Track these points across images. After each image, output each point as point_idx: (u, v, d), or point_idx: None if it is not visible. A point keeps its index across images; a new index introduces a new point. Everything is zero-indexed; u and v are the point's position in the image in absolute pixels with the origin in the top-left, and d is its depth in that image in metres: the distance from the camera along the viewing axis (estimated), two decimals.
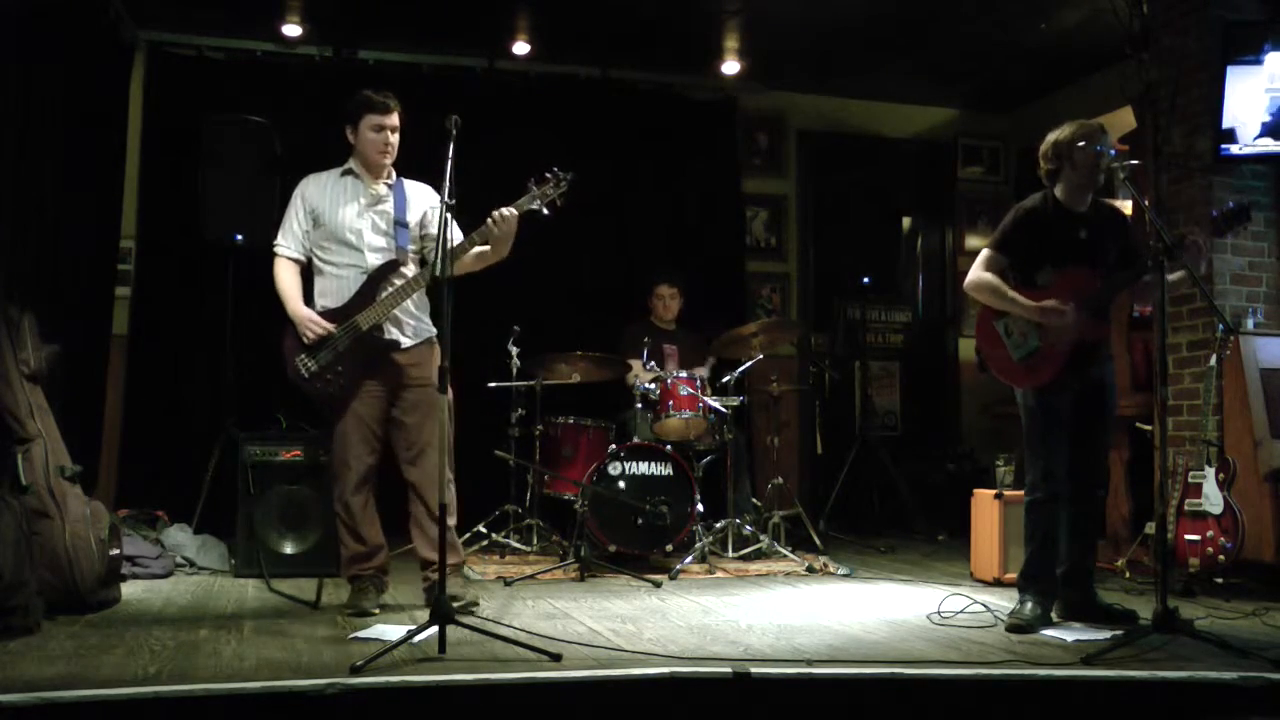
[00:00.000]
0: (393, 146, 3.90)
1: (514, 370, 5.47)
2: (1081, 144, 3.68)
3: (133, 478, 5.82)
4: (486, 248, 3.84)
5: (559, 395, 5.62)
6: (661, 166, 6.81)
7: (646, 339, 5.49)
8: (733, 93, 7.04)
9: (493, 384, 5.46)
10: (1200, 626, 3.49)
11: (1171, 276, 3.54)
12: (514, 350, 5.48)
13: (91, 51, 5.46)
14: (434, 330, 3.99)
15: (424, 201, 3.99)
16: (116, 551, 3.93)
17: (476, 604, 3.90)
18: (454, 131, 3.41)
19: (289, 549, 4.70)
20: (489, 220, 3.73)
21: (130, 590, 4.17)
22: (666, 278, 6.01)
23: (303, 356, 3.83)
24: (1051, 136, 3.79)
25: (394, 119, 3.89)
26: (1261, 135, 4.97)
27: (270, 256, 3.96)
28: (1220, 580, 4.35)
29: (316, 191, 3.95)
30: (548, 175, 3.76)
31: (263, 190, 5.43)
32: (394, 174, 3.99)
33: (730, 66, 6.70)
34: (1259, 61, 4.95)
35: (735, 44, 6.45)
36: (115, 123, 5.95)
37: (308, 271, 3.97)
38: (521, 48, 6.37)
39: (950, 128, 7.61)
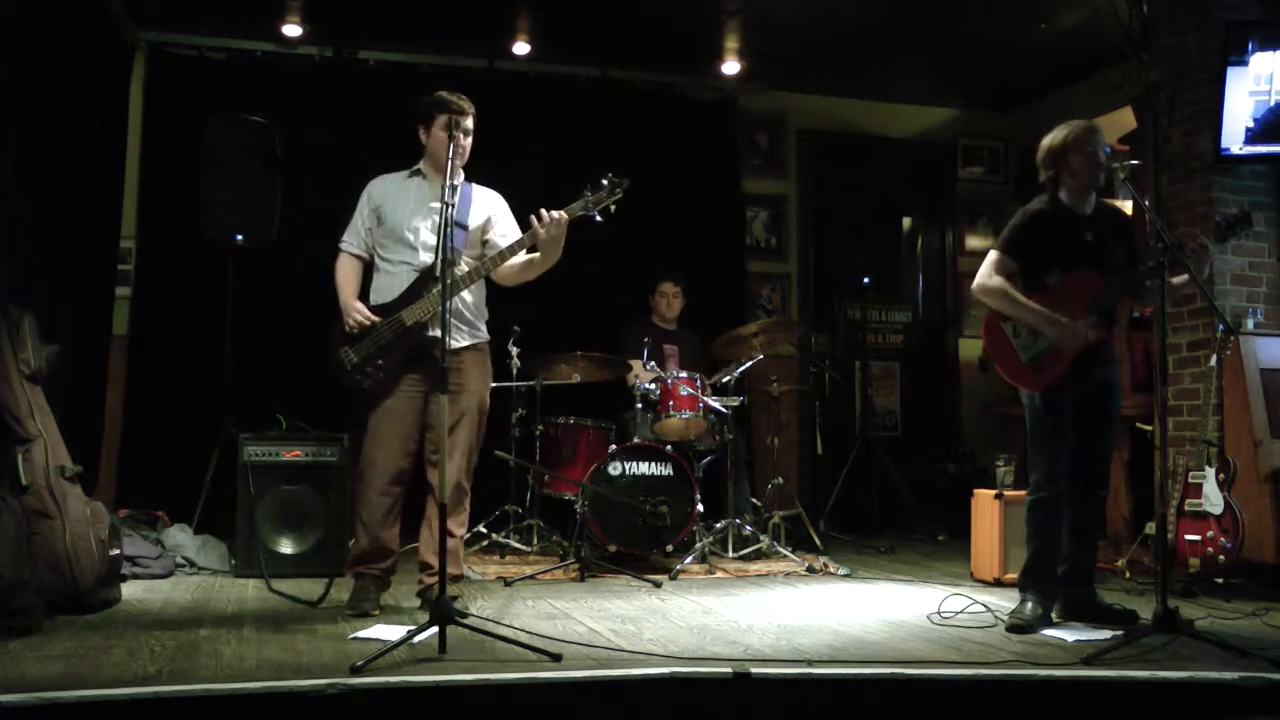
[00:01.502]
0: (465, 149, 3.86)
1: (514, 370, 5.47)
2: (1076, 148, 3.69)
3: (133, 478, 5.83)
4: (536, 255, 3.82)
5: (559, 395, 5.62)
6: (661, 166, 6.79)
7: (647, 339, 5.49)
8: (733, 93, 7.04)
9: (493, 384, 5.45)
10: (1200, 626, 3.49)
11: (1175, 280, 3.54)
12: (514, 350, 5.48)
13: (91, 51, 5.46)
14: (487, 338, 4.00)
15: (488, 206, 4.00)
16: (116, 551, 3.93)
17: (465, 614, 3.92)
18: (454, 131, 3.41)
19: (289, 549, 4.71)
20: (534, 222, 3.69)
21: (130, 590, 4.17)
22: (670, 276, 6.02)
23: (345, 348, 3.84)
24: (1045, 143, 3.79)
25: (469, 122, 3.85)
26: (1247, 141, 4.95)
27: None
28: (1220, 580, 4.35)
29: (382, 190, 3.98)
30: (603, 181, 3.74)
31: (263, 190, 5.44)
32: (462, 176, 3.96)
33: (730, 66, 6.70)
34: (1244, 63, 4.94)
35: (735, 44, 6.45)
36: (115, 123, 5.95)
37: (369, 270, 4.01)
38: (521, 48, 6.36)
39: (950, 128, 7.61)
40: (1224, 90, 4.94)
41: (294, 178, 5.60)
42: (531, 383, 5.47)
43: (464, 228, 3.88)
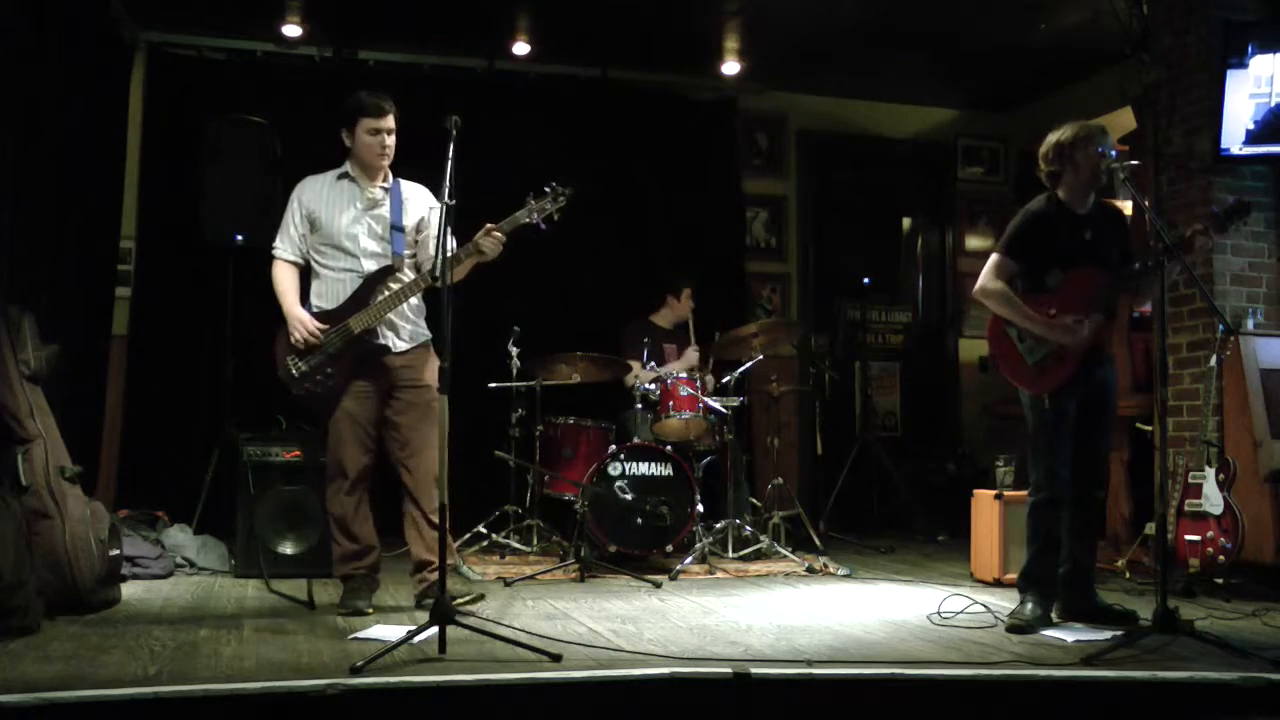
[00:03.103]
0: (390, 149, 3.90)
1: (514, 370, 5.47)
2: (1083, 146, 3.68)
3: (133, 478, 5.83)
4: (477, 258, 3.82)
5: (559, 395, 5.62)
6: (661, 166, 6.81)
7: (647, 339, 5.49)
8: (733, 93, 7.04)
9: (493, 384, 5.46)
10: (1200, 627, 3.49)
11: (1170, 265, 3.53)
12: (514, 350, 5.48)
13: (91, 51, 5.46)
14: (429, 335, 4.02)
15: (421, 204, 3.99)
16: (116, 552, 3.94)
17: (482, 597, 4.05)
18: (454, 132, 3.42)
19: (289, 549, 4.70)
20: (481, 239, 3.72)
21: (130, 590, 4.17)
22: (690, 280, 6.03)
23: (293, 357, 3.84)
24: (1052, 138, 3.78)
25: (390, 121, 3.87)
26: (1247, 142, 4.95)
27: (270, 255, 3.97)
28: (1220, 581, 4.34)
29: (313, 195, 3.96)
30: (545, 190, 3.75)
31: (263, 190, 5.43)
32: (390, 176, 3.99)
33: (730, 66, 6.70)
34: (1244, 65, 4.94)
35: (735, 44, 6.45)
36: (115, 123, 5.95)
37: (306, 273, 3.99)
38: (521, 48, 6.37)
39: (950, 128, 7.61)
40: (1224, 90, 4.94)
41: (294, 178, 5.58)
42: (531, 383, 5.47)
43: (401, 230, 3.90)
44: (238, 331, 5.53)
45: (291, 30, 6.10)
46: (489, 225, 3.75)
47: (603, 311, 6.29)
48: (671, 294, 6.06)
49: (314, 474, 4.72)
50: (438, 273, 3.27)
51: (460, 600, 3.88)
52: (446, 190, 3.37)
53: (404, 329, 3.91)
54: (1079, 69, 6.56)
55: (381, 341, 3.84)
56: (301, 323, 3.81)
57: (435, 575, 3.79)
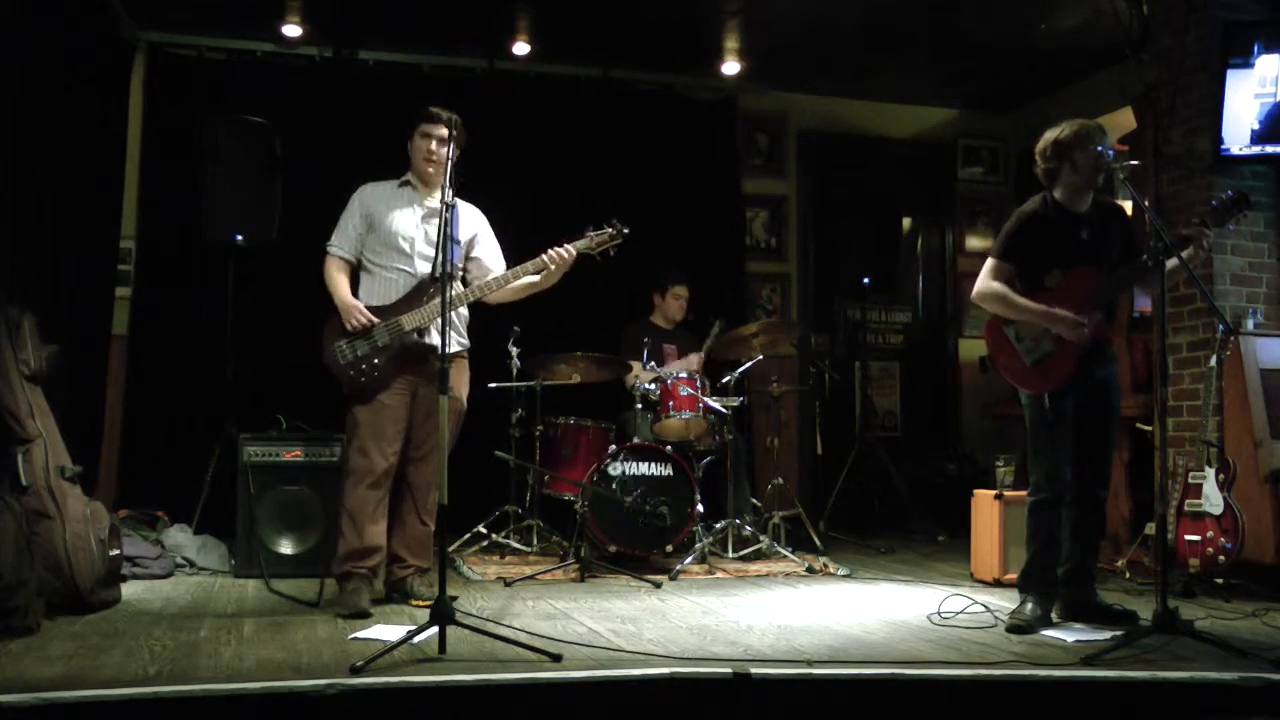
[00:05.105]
0: (435, 155, 3.99)
1: (514, 370, 5.47)
2: (1082, 145, 3.67)
3: (133, 478, 5.82)
4: (537, 278, 4.02)
5: (559, 396, 5.62)
6: (661, 166, 6.80)
7: (646, 339, 5.49)
8: (733, 93, 7.04)
9: (493, 384, 5.46)
10: (1200, 627, 3.49)
11: (1170, 263, 3.53)
12: (514, 350, 5.48)
13: (91, 51, 5.46)
14: (468, 344, 4.15)
15: (473, 224, 4.15)
16: (116, 552, 3.94)
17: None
18: (454, 132, 3.44)
19: (289, 549, 4.71)
20: (545, 256, 3.92)
21: (130, 590, 4.17)
22: (682, 279, 6.02)
23: (341, 343, 3.95)
24: (1050, 135, 3.77)
25: (440, 130, 3.96)
26: (1252, 143, 4.95)
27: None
28: (1220, 581, 4.35)
29: (373, 197, 4.10)
30: (606, 226, 3.97)
31: (263, 190, 5.44)
32: (451, 191, 4.08)
33: (730, 66, 6.69)
34: (1249, 65, 4.94)
35: (735, 44, 6.45)
36: (115, 123, 5.95)
37: (354, 272, 4.13)
38: (521, 48, 6.36)
39: (950, 128, 7.61)
40: (1224, 90, 4.94)
41: (294, 178, 5.60)
42: (531, 383, 5.47)
43: (456, 242, 4.01)
44: (238, 331, 5.54)
45: (291, 30, 6.09)
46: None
47: (603, 311, 6.28)
48: (656, 292, 6.06)
49: (314, 474, 4.74)
50: (438, 272, 3.33)
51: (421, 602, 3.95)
52: (445, 190, 3.40)
53: (451, 335, 3.97)
54: (1079, 69, 6.56)
55: (431, 341, 3.92)
56: (358, 310, 3.93)
57: (404, 571, 4.02)
